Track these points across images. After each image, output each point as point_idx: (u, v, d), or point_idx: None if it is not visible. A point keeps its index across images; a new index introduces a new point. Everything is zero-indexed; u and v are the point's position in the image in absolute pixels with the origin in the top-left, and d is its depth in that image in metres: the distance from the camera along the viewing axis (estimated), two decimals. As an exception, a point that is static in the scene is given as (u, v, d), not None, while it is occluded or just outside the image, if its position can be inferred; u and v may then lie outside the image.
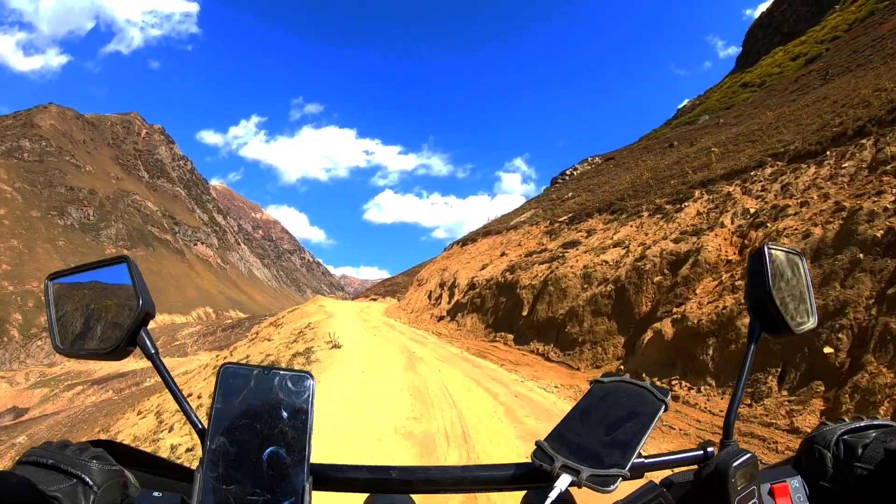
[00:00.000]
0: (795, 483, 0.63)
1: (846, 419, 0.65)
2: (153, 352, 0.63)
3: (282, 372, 0.53)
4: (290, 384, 0.52)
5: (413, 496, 0.67)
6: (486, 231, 29.94)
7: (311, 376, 0.54)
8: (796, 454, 0.66)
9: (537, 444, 0.58)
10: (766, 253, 0.70)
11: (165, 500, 0.53)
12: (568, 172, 49.46)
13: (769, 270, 0.68)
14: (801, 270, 0.76)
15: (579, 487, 0.54)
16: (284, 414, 0.51)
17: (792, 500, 0.62)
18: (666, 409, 0.61)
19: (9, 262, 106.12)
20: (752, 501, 0.57)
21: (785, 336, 0.70)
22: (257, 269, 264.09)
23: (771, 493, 0.62)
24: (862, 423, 0.63)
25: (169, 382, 0.61)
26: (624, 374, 0.66)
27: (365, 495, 0.64)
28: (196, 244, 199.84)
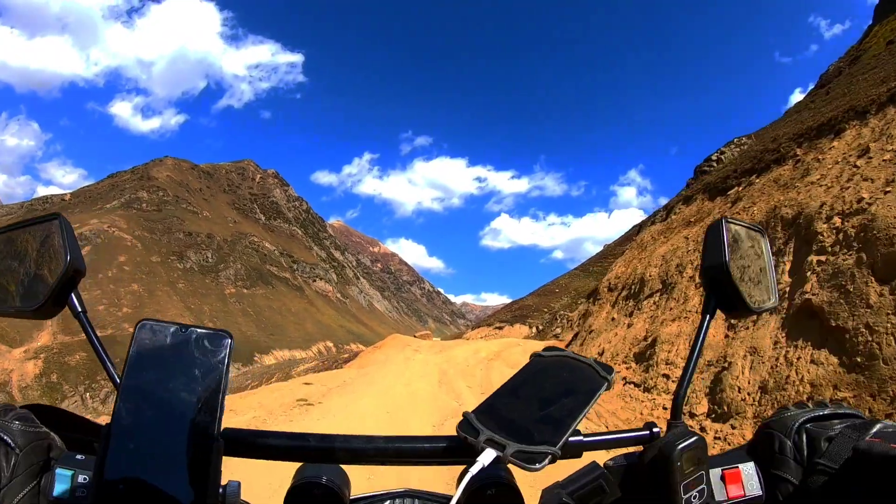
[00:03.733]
0: (749, 469, 0.58)
1: (808, 404, 0.59)
2: (80, 310, 0.61)
3: (199, 330, 0.51)
4: (206, 343, 0.50)
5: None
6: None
7: (230, 335, 0.51)
8: (752, 439, 0.61)
9: (464, 415, 0.54)
10: (724, 227, 0.66)
11: (87, 462, 0.52)
12: (714, 157, 43.26)
13: (726, 245, 0.65)
14: (762, 248, 0.73)
15: (504, 463, 0.51)
16: (198, 373, 0.49)
17: (744, 487, 0.57)
18: (608, 387, 0.58)
19: (129, 305, 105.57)
20: (701, 487, 0.53)
21: (742, 314, 0.67)
22: (377, 302, 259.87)
23: (723, 478, 0.57)
24: (826, 411, 0.57)
25: (92, 339, 0.59)
26: (566, 349, 0.63)
27: (285, 464, 0.60)
28: (315, 280, 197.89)
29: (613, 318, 11.30)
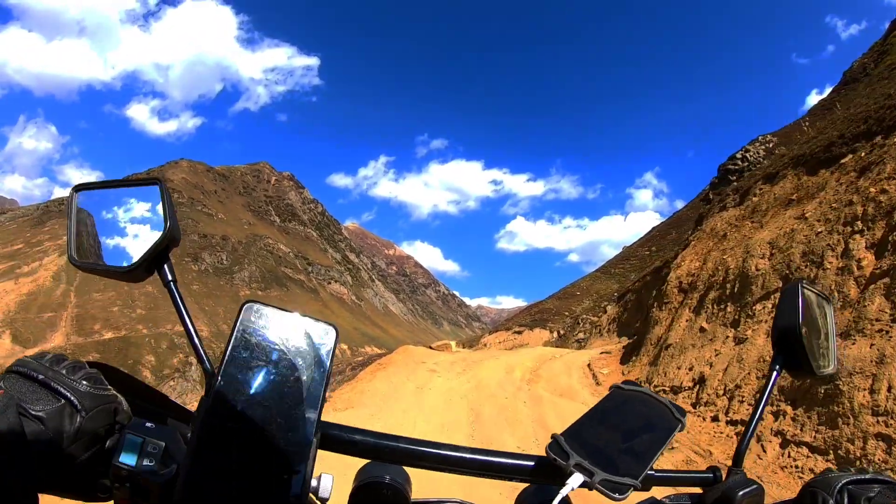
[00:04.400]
0: None
1: (852, 469, 0.63)
2: (170, 279, 0.61)
3: (306, 319, 0.51)
4: (312, 333, 0.50)
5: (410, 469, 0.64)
6: None
7: (336, 328, 0.52)
8: (798, 497, 0.63)
9: (554, 437, 0.56)
10: (800, 291, 0.69)
11: (158, 431, 0.50)
12: (739, 155, 42.18)
13: (800, 308, 0.67)
14: (829, 315, 0.77)
15: (590, 490, 0.52)
16: (303, 363, 0.49)
17: None
18: (682, 429, 0.61)
19: (143, 306, 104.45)
20: None
21: (805, 376, 0.69)
22: (392, 305, 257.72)
23: None
24: (867, 476, 0.60)
25: (182, 313, 0.59)
26: (644, 386, 0.66)
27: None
28: (330, 283, 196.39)
29: (703, 329, 8.25)
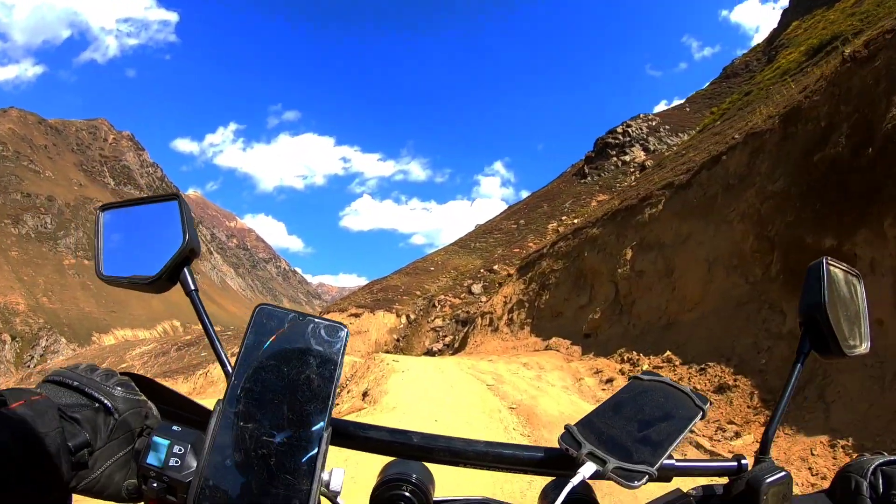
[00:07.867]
0: None
1: (885, 453, 0.62)
2: (192, 288, 0.64)
3: (317, 320, 0.52)
4: (323, 333, 0.52)
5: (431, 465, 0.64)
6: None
7: (345, 328, 0.53)
8: (831, 484, 0.62)
9: (567, 427, 0.56)
10: (825, 268, 0.67)
11: (183, 434, 0.53)
12: (620, 130, 41.30)
13: (825, 286, 0.65)
14: (858, 292, 0.75)
15: (603, 478, 0.52)
16: (313, 361, 0.50)
17: None
18: (703, 417, 0.59)
19: None
20: None
21: (835, 357, 0.67)
22: (230, 279, 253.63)
23: None
24: None
25: (205, 322, 0.61)
26: (664, 377, 0.65)
27: (383, 458, 0.62)
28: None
29: None
